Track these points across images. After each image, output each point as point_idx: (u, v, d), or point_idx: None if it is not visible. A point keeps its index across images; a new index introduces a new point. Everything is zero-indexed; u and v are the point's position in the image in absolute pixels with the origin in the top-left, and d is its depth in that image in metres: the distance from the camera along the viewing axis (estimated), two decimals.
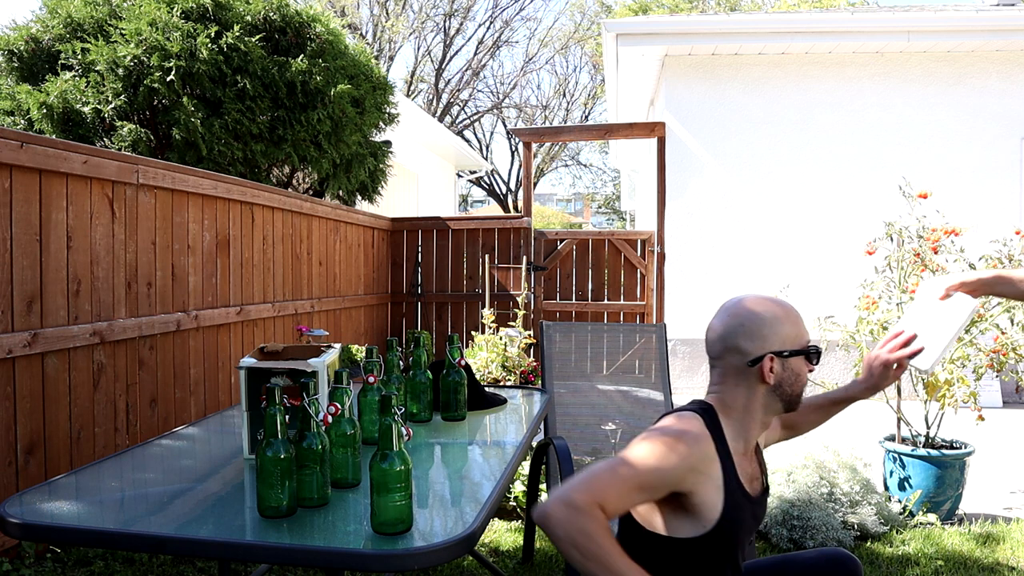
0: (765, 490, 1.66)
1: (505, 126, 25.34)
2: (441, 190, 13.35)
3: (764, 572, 1.74)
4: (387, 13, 20.63)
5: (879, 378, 1.83)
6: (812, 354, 1.60)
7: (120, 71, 4.45)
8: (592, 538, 1.33)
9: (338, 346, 2.15)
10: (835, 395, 1.90)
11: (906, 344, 1.80)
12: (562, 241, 6.93)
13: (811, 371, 1.62)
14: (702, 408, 1.58)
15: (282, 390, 1.55)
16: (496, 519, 3.43)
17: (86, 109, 4.49)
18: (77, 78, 4.56)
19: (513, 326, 5.63)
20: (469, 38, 23.10)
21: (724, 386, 1.60)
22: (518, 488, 3.45)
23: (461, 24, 22.28)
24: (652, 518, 1.54)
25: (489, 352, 5.24)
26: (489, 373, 5.15)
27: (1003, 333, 3.51)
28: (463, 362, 2.36)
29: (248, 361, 1.94)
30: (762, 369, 1.56)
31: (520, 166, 23.95)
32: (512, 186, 24.95)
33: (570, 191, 36.26)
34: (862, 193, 6.56)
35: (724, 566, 1.56)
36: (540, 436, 3.02)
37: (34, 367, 2.70)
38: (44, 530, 1.50)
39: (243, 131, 4.73)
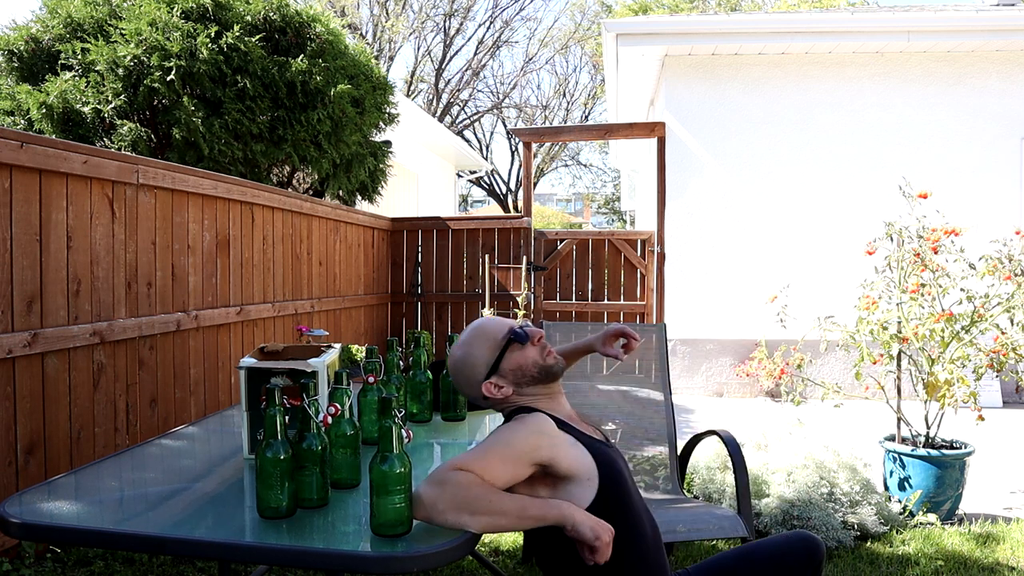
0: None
1: (505, 126, 25.34)
2: (441, 190, 13.34)
3: (732, 562, 1.75)
4: (387, 13, 20.63)
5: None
6: (511, 343, 1.69)
7: (120, 71, 4.45)
8: (468, 487, 1.41)
9: (338, 346, 2.15)
10: (578, 347, 2.08)
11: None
12: (562, 241, 6.92)
13: (536, 344, 1.70)
14: (521, 409, 1.72)
15: (282, 390, 1.55)
16: None
17: (86, 109, 4.49)
18: (77, 78, 4.56)
19: None
20: (469, 38, 23.12)
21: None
22: None
23: (461, 24, 22.28)
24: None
25: None
26: None
27: (1003, 333, 3.51)
28: None
29: (248, 361, 1.94)
30: (495, 397, 1.71)
31: (520, 166, 23.95)
32: (512, 186, 24.94)
33: (570, 191, 36.26)
34: (862, 193, 6.56)
35: (628, 517, 1.59)
36: None
37: (34, 367, 2.70)
38: (44, 530, 1.50)
39: (243, 131, 4.73)
